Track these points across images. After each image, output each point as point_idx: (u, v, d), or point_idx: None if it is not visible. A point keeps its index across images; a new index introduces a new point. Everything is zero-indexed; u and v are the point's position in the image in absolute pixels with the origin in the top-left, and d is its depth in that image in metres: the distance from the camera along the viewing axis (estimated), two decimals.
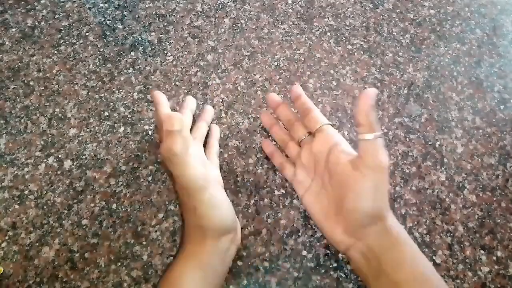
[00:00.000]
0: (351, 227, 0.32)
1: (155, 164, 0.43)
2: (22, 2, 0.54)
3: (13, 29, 0.52)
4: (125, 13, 0.54)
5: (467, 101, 0.47)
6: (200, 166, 0.30)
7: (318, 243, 0.39)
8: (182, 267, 0.31)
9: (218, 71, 0.49)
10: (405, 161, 0.43)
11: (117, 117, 0.46)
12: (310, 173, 0.37)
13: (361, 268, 0.32)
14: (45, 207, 0.40)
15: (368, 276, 0.32)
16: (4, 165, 0.42)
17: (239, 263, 0.38)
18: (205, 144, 0.42)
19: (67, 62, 0.49)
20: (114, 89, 0.47)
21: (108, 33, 0.52)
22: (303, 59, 0.50)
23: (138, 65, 0.49)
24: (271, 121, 0.43)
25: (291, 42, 0.51)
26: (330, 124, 0.37)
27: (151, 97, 0.36)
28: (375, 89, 0.31)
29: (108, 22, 0.53)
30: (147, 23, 0.53)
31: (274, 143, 0.43)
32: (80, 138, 0.44)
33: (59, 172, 0.42)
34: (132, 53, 0.50)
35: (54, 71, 0.49)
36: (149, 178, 0.42)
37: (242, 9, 0.54)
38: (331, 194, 0.34)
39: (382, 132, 0.31)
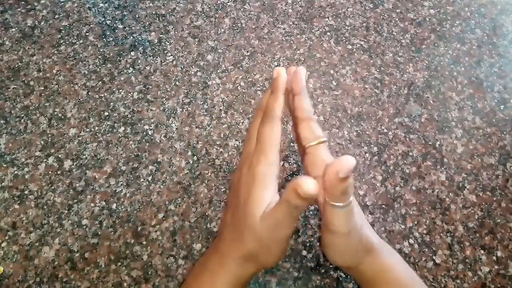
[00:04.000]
0: (343, 268, 0.32)
1: (155, 164, 0.43)
2: (22, 2, 0.54)
3: (13, 29, 0.52)
4: (125, 13, 0.54)
5: (467, 101, 0.47)
6: None
7: (318, 243, 0.39)
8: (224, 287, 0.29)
9: (218, 71, 0.49)
10: (405, 161, 0.43)
11: (117, 117, 0.46)
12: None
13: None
14: (45, 207, 0.40)
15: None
16: (4, 165, 0.42)
17: None
18: None
19: (67, 62, 0.49)
20: (114, 89, 0.47)
21: (108, 33, 0.52)
22: (303, 59, 0.50)
23: (138, 65, 0.49)
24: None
25: (291, 42, 0.51)
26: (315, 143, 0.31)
27: (272, 74, 0.33)
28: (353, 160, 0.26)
29: (108, 22, 0.53)
30: (147, 23, 0.53)
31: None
32: (80, 138, 0.44)
33: (59, 172, 0.42)
34: (132, 53, 0.50)
35: (54, 71, 0.49)
36: (149, 178, 0.42)
37: (242, 9, 0.54)
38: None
39: (350, 200, 0.27)
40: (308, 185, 0.23)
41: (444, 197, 0.41)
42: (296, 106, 0.31)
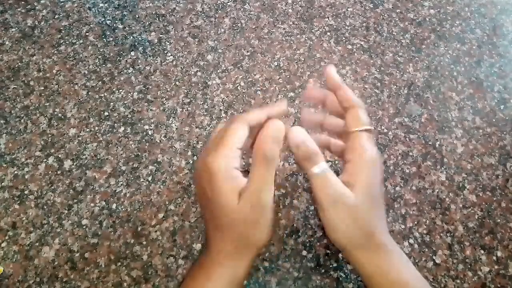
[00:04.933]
0: (337, 246, 0.32)
1: (155, 164, 0.43)
2: (22, 2, 0.54)
3: (13, 29, 0.52)
4: (125, 13, 0.54)
5: (467, 101, 0.47)
6: None
7: (318, 243, 0.39)
8: (221, 284, 0.29)
9: (218, 71, 0.49)
10: (405, 161, 0.43)
11: (117, 117, 0.46)
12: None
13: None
14: (45, 207, 0.40)
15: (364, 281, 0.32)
16: (4, 165, 0.42)
17: None
18: None
19: (67, 62, 0.49)
20: (114, 89, 0.47)
21: (108, 33, 0.52)
22: (303, 59, 0.50)
23: (138, 65, 0.49)
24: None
25: (291, 42, 0.51)
26: (366, 130, 0.31)
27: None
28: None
29: (108, 22, 0.53)
30: (147, 23, 0.53)
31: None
32: (80, 138, 0.44)
33: (59, 172, 0.42)
34: (132, 53, 0.50)
35: (54, 71, 0.49)
36: (149, 178, 0.42)
37: (242, 9, 0.54)
38: None
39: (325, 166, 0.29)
40: (278, 122, 0.25)
41: (444, 197, 0.41)
42: (341, 100, 0.32)
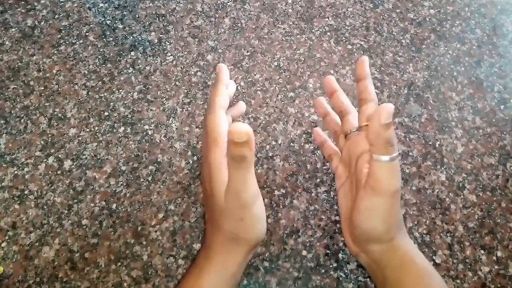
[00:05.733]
0: (356, 239, 0.32)
1: (155, 164, 0.43)
2: (22, 2, 0.54)
3: (13, 29, 0.52)
4: (125, 13, 0.54)
5: (467, 101, 0.47)
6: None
7: (318, 243, 0.39)
8: (212, 279, 0.29)
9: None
10: (405, 161, 0.43)
11: (117, 117, 0.46)
12: (347, 169, 0.35)
13: (370, 273, 0.33)
14: (45, 207, 0.40)
15: (376, 281, 0.32)
16: (4, 165, 0.42)
17: None
18: None
19: (67, 62, 0.49)
20: (114, 89, 0.47)
21: (108, 33, 0.52)
22: (303, 59, 0.50)
23: (138, 65, 0.49)
24: (324, 110, 0.39)
25: (291, 42, 0.51)
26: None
27: (215, 71, 0.34)
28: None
29: (108, 22, 0.53)
30: (147, 23, 0.53)
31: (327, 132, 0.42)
32: (80, 138, 0.44)
33: (59, 172, 0.42)
34: (132, 53, 0.50)
35: (54, 71, 0.49)
36: (149, 178, 0.42)
37: (242, 9, 0.54)
38: (353, 198, 0.33)
39: (397, 153, 0.28)
40: (236, 126, 0.24)
41: (444, 197, 0.41)
42: (361, 90, 0.33)
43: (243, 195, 0.27)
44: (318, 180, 0.42)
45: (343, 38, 0.52)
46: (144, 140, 0.44)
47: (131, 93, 0.47)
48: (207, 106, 0.33)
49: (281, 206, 0.40)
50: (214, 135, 0.31)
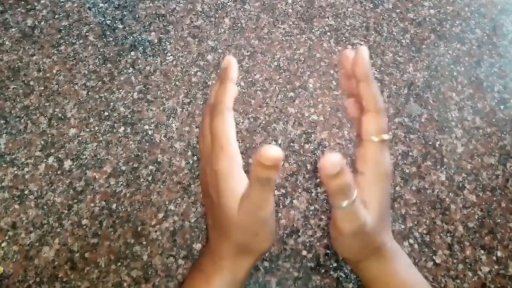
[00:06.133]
0: (344, 259, 0.32)
1: (155, 164, 0.43)
2: (22, 2, 0.54)
3: (13, 29, 0.52)
4: (125, 13, 0.54)
5: (467, 101, 0.47)
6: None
7: (318, 243, 0.39)
8: (221, 287, 0.29)
9: (218, 71, 0.49)
10: (405, 161, 0.43)
11: (117, 117, 0.46)
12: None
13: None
14: (45, 207, 0.40)
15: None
16: (4, 165, 0.42)
17: None
18: None
19: (67, 62, 0.49)
20: (114, 89, 0.47)
21: (108, 33, 0.52)
22: (303, 59, 0.50)
23: (138, 65, 0.49)
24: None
25: (291, 42, 0.51)
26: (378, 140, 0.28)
27: (222, 64, 0.30)
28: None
29: (108, 22, 0.53)
30: (147, 23, 0.53)
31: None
32: (80, 138, 0.44)
33: (59, 172, 0.42)
34: (132, 53, 0.50)
35: (54, 71, 0.49)
36: (149, 178, 0.42)
37: (242, 9, 0.54)
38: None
39: (354, 198, 0.26)
40: (268, 150, 0.23)
41: (444, 197, 0.41)
42: (361, 95, 0.28)
43: (262, 213, 0.27)
44: (318, 180, 0.42)
45: (343, 38, 0.52)
46: (144, 140, 0.44)
47: (131, 93, 0.47)
48: (213, 106, 0.29)
49: (281, 206, 0.40)
50: (221, 142, 0.28)
